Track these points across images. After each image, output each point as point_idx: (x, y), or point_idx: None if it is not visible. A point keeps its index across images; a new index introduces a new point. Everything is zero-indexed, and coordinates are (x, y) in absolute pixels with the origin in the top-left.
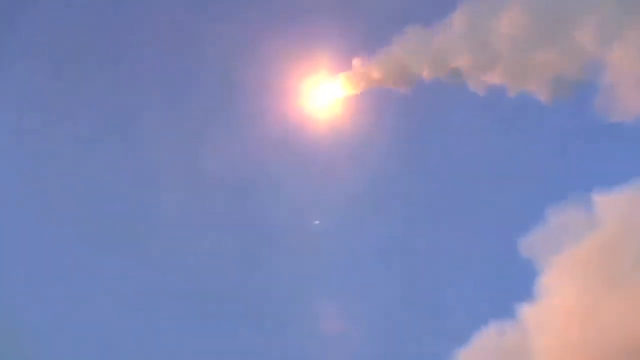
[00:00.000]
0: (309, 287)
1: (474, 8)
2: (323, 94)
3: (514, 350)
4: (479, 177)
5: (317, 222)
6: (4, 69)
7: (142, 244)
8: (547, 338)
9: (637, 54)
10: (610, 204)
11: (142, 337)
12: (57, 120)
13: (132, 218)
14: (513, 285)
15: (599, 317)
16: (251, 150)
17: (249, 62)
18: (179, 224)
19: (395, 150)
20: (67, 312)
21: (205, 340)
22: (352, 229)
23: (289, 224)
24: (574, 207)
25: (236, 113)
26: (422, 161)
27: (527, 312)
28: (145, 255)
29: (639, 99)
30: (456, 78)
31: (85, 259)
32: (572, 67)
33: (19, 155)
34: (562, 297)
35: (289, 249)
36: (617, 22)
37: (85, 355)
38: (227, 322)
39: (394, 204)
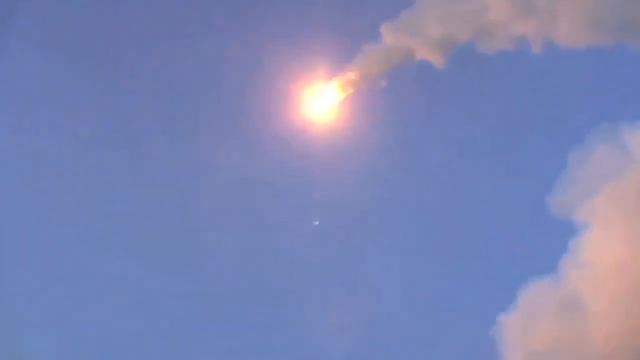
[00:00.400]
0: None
1: None
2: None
3: (561, 308)
4: (495, 144)
5: (316, 222)
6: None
7: (143, 244)
8: (592, 290)
9: None
10: None
11: (142, 338)
12: (58, 120)
13: (134, 219)
14: (551, 245)
15: None
16: (259, 152)
17: (253, 64)
18: (183, 224)
19: (414, 130)
20: (68, 312)
21: (207, 340)
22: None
23: (295, 225)
24: (600, 145)
25: (242, 114)
26: (440, 133)
27: (569, 268)
28: (145, 255)
29: None
30: (487, 38)
31: (86, 259)
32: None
33: (20, 156)
34: (604, 246)
35: (297, 250)
36: None
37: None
38: (229, 323)
39: (422, 173)
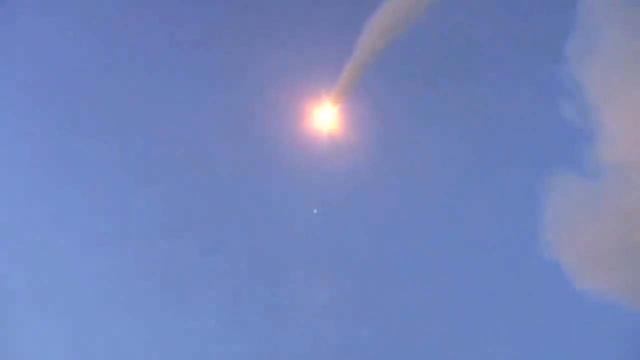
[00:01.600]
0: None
1: None
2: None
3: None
4: None
5: (315, 210)
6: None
7: (142, 244)
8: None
9: None
10: None
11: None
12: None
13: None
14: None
15: None
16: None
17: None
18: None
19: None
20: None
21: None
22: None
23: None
24: None
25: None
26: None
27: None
28: (143, 255)
29: None
30: None
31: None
32: None
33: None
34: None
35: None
36: None
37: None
38: (231, 324)
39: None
